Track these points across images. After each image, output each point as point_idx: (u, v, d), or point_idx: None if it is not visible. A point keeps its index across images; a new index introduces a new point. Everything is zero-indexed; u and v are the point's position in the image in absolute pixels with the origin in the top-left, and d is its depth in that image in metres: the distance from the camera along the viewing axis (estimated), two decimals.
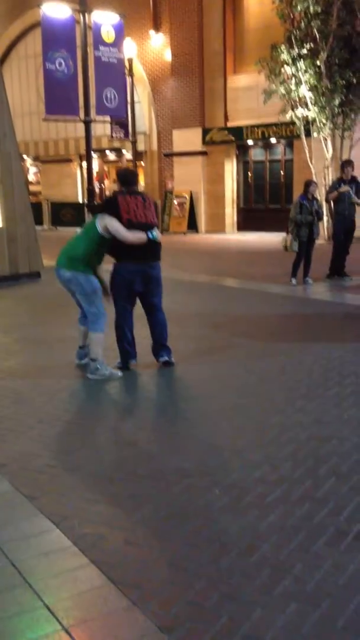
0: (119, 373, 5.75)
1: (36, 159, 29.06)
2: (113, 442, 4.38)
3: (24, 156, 28.84)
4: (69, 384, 5.66)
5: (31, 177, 30.69)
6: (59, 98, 13.22)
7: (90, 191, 13.74)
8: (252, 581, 2.79)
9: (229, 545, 3.06)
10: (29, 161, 29.80)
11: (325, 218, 14.11)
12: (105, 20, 14.44)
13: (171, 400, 5.26)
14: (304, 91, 16.47)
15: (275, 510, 3.38)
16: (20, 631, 2.48)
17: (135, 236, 5.61)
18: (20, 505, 3.49)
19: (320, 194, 12.62)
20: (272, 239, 17.38)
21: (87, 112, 13.37)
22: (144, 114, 24.16)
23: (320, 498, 3.49)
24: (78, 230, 6.15)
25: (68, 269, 5.69)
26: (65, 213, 24.22)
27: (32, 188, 30.61)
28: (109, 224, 5.59)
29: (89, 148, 13.54)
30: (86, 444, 4.32)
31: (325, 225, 15.45)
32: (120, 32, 14.69)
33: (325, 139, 17.06)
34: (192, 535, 3.16)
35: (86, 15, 13.43)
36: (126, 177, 5.93)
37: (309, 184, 10.45)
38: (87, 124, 13.35)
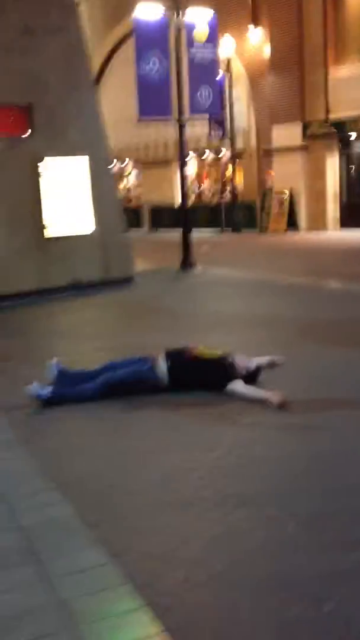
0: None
1: (137, 162, 29.40)
2: (178, 464, 4.07)
3: (127, 159, 29.26)
4: (140, 399, 5.39)
5: (132, 180, 31.10)
6: (153, 99, 13.12)
7: (183, 195, 13.56)
8: (324, 637, 2.43)
9: (299, 591, 2.69)
10: (129, 165, 30.21)
11: None
12: (199, 17, 14.19)
13: (244, 417, 4.92)
14: None
15: (357, 549, 2.98)
16: None
17: None
18: (77, 533, 3.27)
19: None
20: None
21: (180, 112, 13.20)
22: (242, 111, 23.81)
23: None
24: None
25: None
26: (164, 216, 24.34)
27: (133, 192, 31.03)
28: None
29: (182, 149, 13.35)
30: (154, 465, 4.06)
31: None
32: (214, 29, 14.38)
33: None
34: (257, 577, 2.82)
35: (180, 13, 13.29)
36: None
37: None
38: (181, 124, 13.17)
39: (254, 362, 5.55)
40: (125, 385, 5.36)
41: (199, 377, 5.37)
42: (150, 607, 2.63)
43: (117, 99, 27.76)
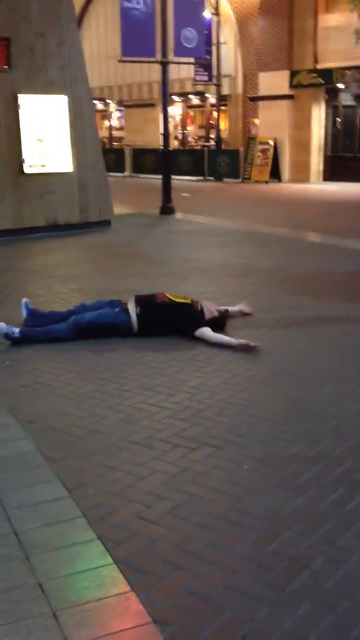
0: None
1: (120, 103, 28.72)
2: (142, 407, 4.14)
3: (108, 100, 28.55)
4: (110, 342, 5.39)
5: (115, 122, 30.43)
6: (136, 39, 12.73)
7: (165, 137, 13.31)
8: (266, 574, 2.53)
9: (247, 530, 2.80)
10: (112, 106, 29.51)
11: None
12: None
13: (211, 362, 4.97)
14: None
15: (306, 492, 3.08)
16: (2, 612, 2.32)
17: None
18: (38, 468, 3.34)
19: None
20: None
21: (164, 53, 12.86)
22: (229, 56, 23.29)
23: (359, 481, 3.17)
24: None
25: None
26: (146, 160, 23.88)
27: (115, 133, 30.40)
28: None
29: (165, 90, 13.04)
30: (119, 406, 4.12)
31: None
32: None
33: None
34: (209, 515, 2.91)
35: None
36: None
37: None
38: (164, 65, 12.84)
39: (222, 309, 5.59)
40: (95, 329, 5.37)
41: (170, 320, 5.39)
42: (102, 540, 2.72)
43: (100, 36, 26.98)
